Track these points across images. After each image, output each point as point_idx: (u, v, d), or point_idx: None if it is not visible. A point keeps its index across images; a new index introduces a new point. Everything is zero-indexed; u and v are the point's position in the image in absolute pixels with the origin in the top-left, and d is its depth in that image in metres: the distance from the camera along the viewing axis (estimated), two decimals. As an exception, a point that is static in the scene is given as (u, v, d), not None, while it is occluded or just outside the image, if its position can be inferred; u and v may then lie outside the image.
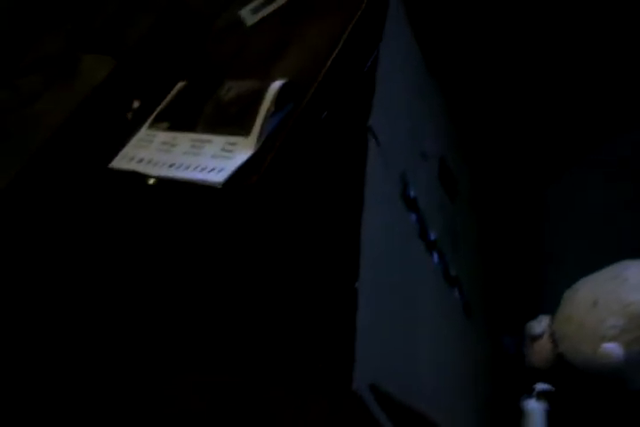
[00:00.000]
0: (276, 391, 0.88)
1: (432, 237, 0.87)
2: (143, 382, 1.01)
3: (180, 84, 0.95)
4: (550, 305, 1.03)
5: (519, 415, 0.87)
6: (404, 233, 0.75)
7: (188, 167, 0.81)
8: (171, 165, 0.83)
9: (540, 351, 0.99)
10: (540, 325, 1.00)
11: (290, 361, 0.87)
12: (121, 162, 0.86)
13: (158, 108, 0.93)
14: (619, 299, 0.93)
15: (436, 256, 0.87)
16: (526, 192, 1.30)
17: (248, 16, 1.02)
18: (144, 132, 0.90)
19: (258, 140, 0.81)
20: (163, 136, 0.88)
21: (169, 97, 0.93)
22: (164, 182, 0.81)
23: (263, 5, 1.03)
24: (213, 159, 0.81)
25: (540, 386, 0.91)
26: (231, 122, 0.85)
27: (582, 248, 1.15)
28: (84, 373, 1.00)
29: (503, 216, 1.26)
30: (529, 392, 0.91)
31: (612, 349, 0.91)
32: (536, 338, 0.99)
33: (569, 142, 1.28)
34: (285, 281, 0.81)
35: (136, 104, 0.95)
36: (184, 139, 0.86)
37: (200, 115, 0.88)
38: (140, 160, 0.86)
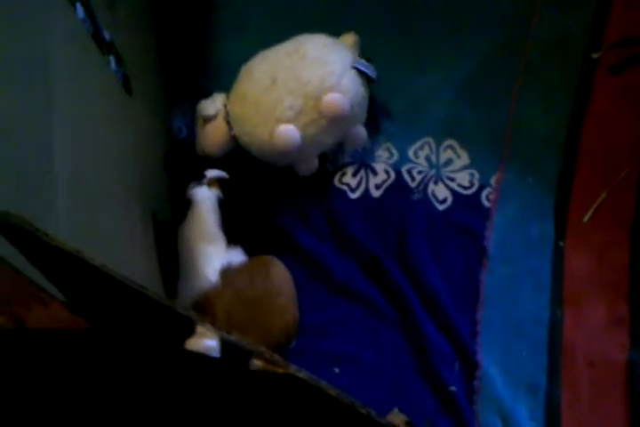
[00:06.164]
0: None
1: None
2: None
3: None
4: (226, 82, 0.91)
5: (188, 205, 0.78)
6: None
7: None
8: None
9: (214, 135, 0.89)
10: (214, 105, 0.89)
11: None
12: None
13: None
14: (297, 77, 0.86)
15: (80, 9, 0.67)
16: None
17: None
18: None
19: None
20: None
21: None
22: None
23: None
24: None
25: (212, 173, 0.81)
26: None
27: (264, 17, 1.02)
28: None
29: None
30: (199, 180, 0.81)
31: (289, 131, 0.85)
32: (209, 120, 0.89)
33: None
34: None
35: None
36: None
37: None
38: None
